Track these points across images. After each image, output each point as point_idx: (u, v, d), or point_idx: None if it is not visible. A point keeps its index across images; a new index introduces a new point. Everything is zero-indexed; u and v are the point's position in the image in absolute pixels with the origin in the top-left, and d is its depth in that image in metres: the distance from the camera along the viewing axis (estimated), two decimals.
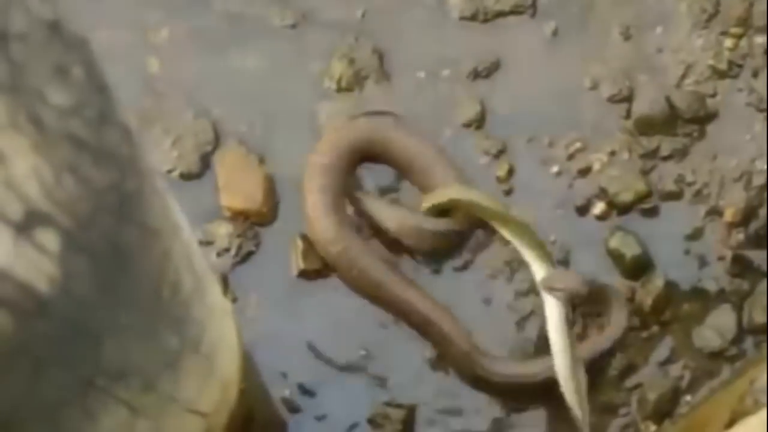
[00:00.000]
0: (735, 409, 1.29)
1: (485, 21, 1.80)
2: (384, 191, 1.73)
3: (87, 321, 0.83)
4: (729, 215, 1.71)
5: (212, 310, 1.17)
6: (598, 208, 1.72)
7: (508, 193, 1.74)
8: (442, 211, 1.68)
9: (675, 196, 1.73)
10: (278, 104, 1.77)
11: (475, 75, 1.78)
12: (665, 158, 1.74)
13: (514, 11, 1.80)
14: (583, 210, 1.73)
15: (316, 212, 1.66)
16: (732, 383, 1.57)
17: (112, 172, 0.84)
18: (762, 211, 1.71)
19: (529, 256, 1.61)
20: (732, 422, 1.22)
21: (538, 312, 1.65)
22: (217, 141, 1.76)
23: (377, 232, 1.69)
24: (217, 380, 1.20)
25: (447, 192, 1.67)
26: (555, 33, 1.79)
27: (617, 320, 1.65)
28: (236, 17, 1.82)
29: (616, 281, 1.69)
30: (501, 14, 1.80)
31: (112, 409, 0.95)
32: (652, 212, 1.73)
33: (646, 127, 1.74)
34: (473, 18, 1.80)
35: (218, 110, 1.77)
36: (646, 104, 1.74)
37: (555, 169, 1.74)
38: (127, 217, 0.88)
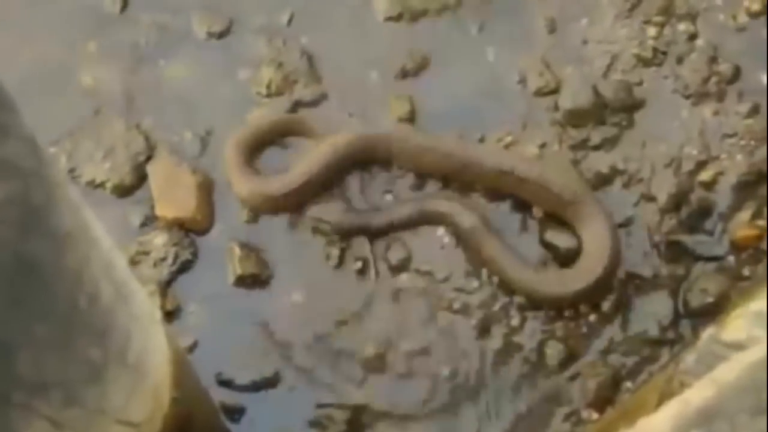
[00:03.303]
0: (663, 392, 1.30)
1: (412, 20, 1.81)
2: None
3: None
4: (661, 201, 1.73)
5: (138, 318, 1.17)
6: None
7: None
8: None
9: (607, 184, 1.75)
10: (209, 112, 1.77)
11: (404, 74, 1.79)
12: (595, 148, 1.76)
13: (441, 8, 1.81)
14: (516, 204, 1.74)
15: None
16: (668, 367, 1.58)
17: (12, 185, 0.84)
18: (693, 196, 1.73)
19: None
20: (660, 404, 1.23)
21: None
22: (149, 151, 1.76)
23: None
24: (148, 389, 1.19)
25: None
26: (481, 29, 1.81)
27: None
28: (163, 28, 1.82)
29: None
30: (426, 13, 1.81)
31: (35, 424, 0.95)
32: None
33: (575, 118, 1.76)
34: (399, 18, 1.81)
35: (149, 121, 1.77)
36: (573, 95, 1.76)
37: None
38: (33, 229, 0.88)
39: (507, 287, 1.68)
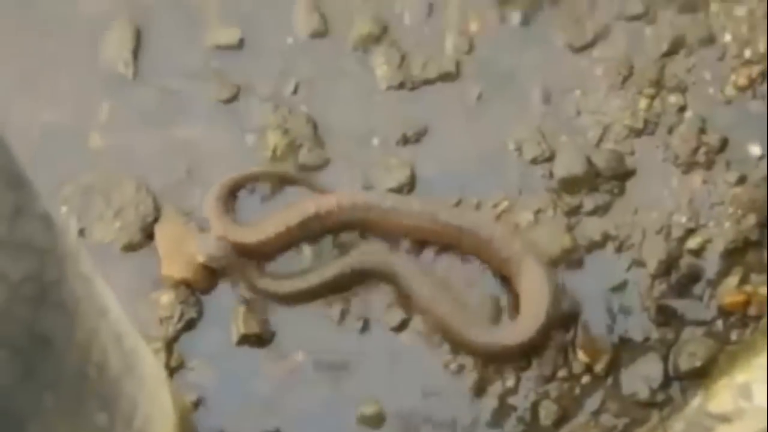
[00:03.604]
0: None
1: (412, 89, 1.88)
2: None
3: (8, 407, 0.88)
4: (651, 267, 1.78)
5: (145, 382, 1.22)
6: None
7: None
8: None
9: (599, 249, 1.80)
10: (216, 175, 1.83)
11: (405, 141, 1.85)
12: (588, 214, 1.81)
13: (440, 78, 1.88)
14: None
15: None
16: (657, 429, 1.63)
17: (29, 263, 0.89)
18: (682, 262, 1.78)
19: None
20: None
21: None
22: (157, 212, 1.82)
23: None
24: None
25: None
26: (479, 98, 1.87)
27: None
28: (174, 92, 1.89)
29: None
30: (427, 81, 1.88)
31: None
32: (578, 266, 1.80)
33: (568, 185, 1.82)
34: (401, 86, 1.88)
35: (158, 182, 1.84)
36: (567, 164, 1.82)
37: None
38: (47, 304, 0.93)
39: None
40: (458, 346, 1.73)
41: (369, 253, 1.77)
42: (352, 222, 1.78)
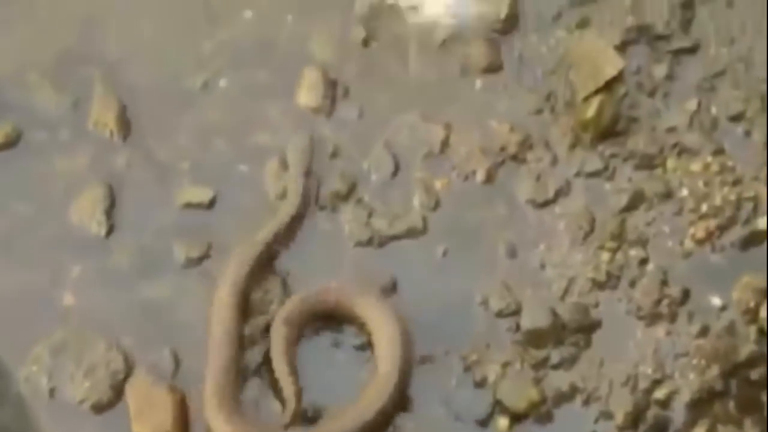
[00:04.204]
0: None
1: (380, 245, 1.92)
2: None
3: None
4: (619, 419, 1.80)
5: None
6: (498, 420, 1.80)
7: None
8: None
9: (567, 402, 1.82)
10: (186, 333, 1.85)
11: None
12: (555, 367, 1.84)
13: (407, 235, 1.93)
14: (482, 422, 1.81)
15: None
16: None
17: None
18: (649, 414, 1.80)
19: None
20: None
21: None
22: (128, 370, 1.83)
23: None
24: None
25: None
26: (445, 253, 1.91)
27: None
28: (145, 250, 1.92)
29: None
30: (395, 238, 1.92)
31: None
32: (546, 419, 1.81)
33: (535, 338, 1.85)
34: (368, 242, 1.92)
35: (129, 340, 1.85)
36: (533, 317, 1.86)
37: (453, 381, 1.83)
38: None
39: None
40: None
41: None
42: None
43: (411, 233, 1.93)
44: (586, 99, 1.97)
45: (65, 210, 1.95)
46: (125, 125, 2.01)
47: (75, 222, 1.94)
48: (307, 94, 2.02)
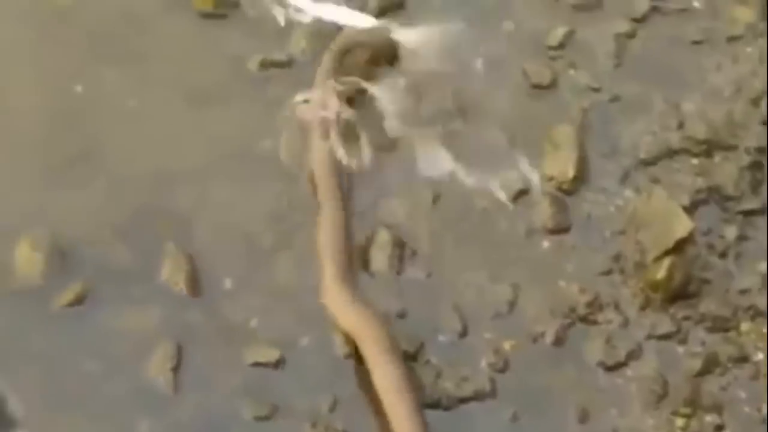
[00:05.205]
0: None
1: (447, 409, 1.89)
2: None
3: None
4: None
5: None
6: None
7: None
8: None
9: None
10: None
11: None
12: None
13: (475, 397, 1.90)
14: None
15: None
16: None
17: None
18: None
19: None
20: None
21: None
22: None
23: None
24: None
25: None
26: (514, 418, 1.88)
27: None
28: (213, 409, 1.91)
29: None
30: (462, 400, 1.89)
31: None
32: None
33: None
34: (436, 405, 1.89)
35: None
36: None
37: None
38: None
39: None
40: None
41: None
42: None
43: (479, 395, 1.90)
44: (656, 260, 1.95)
45: (134, 367, 1.95)
46: (195, 282, 2.03)
47: (143, 379, 1.95)
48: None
